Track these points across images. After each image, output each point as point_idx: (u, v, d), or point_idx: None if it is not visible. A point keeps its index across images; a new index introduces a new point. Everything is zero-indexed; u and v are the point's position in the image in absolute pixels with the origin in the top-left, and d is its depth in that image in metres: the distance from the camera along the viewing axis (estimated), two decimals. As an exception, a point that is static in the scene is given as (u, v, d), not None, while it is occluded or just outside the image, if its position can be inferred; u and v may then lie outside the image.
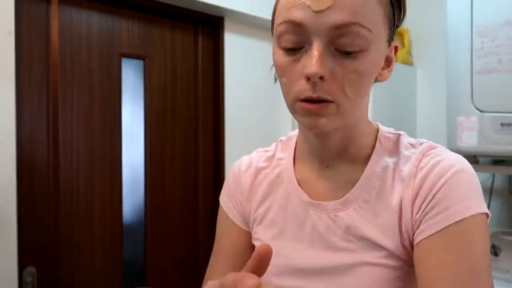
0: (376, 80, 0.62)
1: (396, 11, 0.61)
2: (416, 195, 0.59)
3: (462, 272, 0.54)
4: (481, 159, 1.64)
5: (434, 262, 0.55)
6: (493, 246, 1.59)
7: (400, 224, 0.60)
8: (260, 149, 0.79)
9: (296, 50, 0.57)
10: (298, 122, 0.61)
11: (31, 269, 1.47)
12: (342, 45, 0.55)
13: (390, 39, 0.61)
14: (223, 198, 0.78)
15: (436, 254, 0.55)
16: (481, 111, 1.52)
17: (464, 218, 0.55)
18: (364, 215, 0.62)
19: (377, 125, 0.70)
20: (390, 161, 0.64)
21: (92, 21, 1.66)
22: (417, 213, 0.58)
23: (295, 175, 0.70)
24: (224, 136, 2.02)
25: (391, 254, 0.60)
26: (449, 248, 0.55)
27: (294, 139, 0.74)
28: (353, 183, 0.64)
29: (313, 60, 0.54)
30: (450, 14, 1.61)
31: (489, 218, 0.58)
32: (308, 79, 0.55)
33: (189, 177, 1.97)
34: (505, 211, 2.00)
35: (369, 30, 0.55)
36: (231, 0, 1.88)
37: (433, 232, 0.56)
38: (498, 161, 1.66)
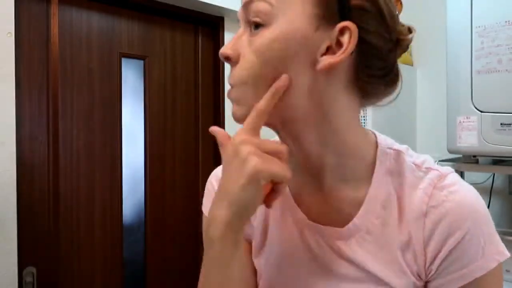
0: (319, 67, 0.49)
1: None
2: (429, 239, 0.54)
3: None
4: (481, 159, 1.64)
5: None
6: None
7: (408, 262, 0.55)
8: None
9: None
10: None
11: (31, 269, 1.47)
12: (251, 24, 0.50)
13: (326, 16, 0.48)
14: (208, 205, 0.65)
15: None
16: (481, 111, 1.51)
17: (486, 272, 0.53)
18: (367, 248, 0.56)
19: (374, 135, 0.60)
20: (394, 185, 0.57)
21: (92, 21, 1.66)
22: (432, 263, 0.54)
23: (289, 187, 0.62)
24: (224, 136, 2.02)
25: None
26: None
27: None
28: (353, 207, 0.57)
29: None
30: (450, 14, 1.61)
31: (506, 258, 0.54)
32: None
33: (189, 177, 1.96)
34: (505, 211, 2.00)
35: (269, 3, 0.48)
36: (231, 0, 1.88)
37: None
38: (498, 161, 1.66)
